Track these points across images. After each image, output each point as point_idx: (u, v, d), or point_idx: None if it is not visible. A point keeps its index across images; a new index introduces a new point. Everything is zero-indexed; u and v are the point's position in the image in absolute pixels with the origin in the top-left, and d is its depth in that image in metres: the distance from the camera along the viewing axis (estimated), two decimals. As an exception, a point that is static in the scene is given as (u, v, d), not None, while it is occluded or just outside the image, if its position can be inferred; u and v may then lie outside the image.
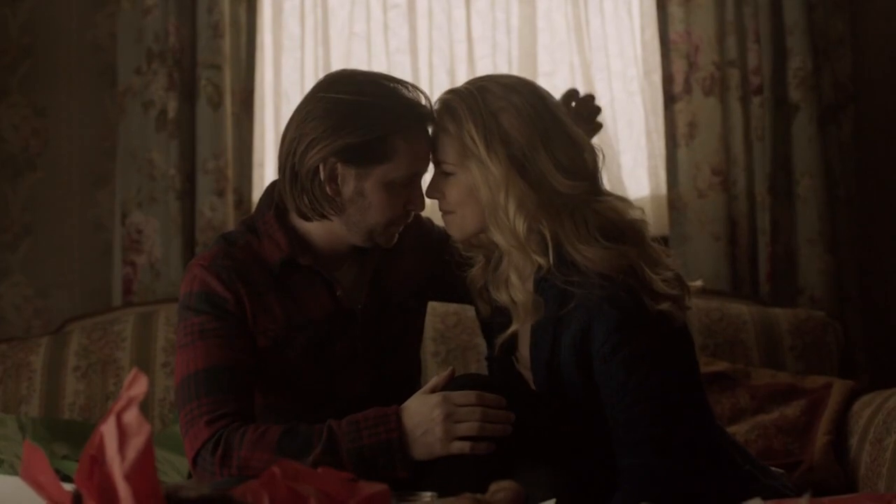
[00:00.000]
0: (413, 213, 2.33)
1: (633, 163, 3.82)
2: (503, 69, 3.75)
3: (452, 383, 2.14)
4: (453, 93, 2.24)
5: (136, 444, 1.33)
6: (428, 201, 2.33)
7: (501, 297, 2.25)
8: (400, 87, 2.24)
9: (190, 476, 2.98)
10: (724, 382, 3.19)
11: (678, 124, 3.75)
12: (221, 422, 2.13)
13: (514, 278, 2.22)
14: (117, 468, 1.32)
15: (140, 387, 1.40)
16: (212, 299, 2.23)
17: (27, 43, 3.90)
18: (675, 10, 3.75)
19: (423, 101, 2.25)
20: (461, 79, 3.72)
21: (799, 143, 3.72)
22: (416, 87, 2.26)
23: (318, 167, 2.18)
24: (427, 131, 2.25)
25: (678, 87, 3.75)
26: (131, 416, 1.37)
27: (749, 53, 3.74)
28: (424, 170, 2.29)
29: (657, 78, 3.79)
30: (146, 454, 1.33)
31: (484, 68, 3.76)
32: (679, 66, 3.75)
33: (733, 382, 3.22)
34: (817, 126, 3.72)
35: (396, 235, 2.33)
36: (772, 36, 3.71)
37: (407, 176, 2.24)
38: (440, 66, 3.79)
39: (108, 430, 1.36)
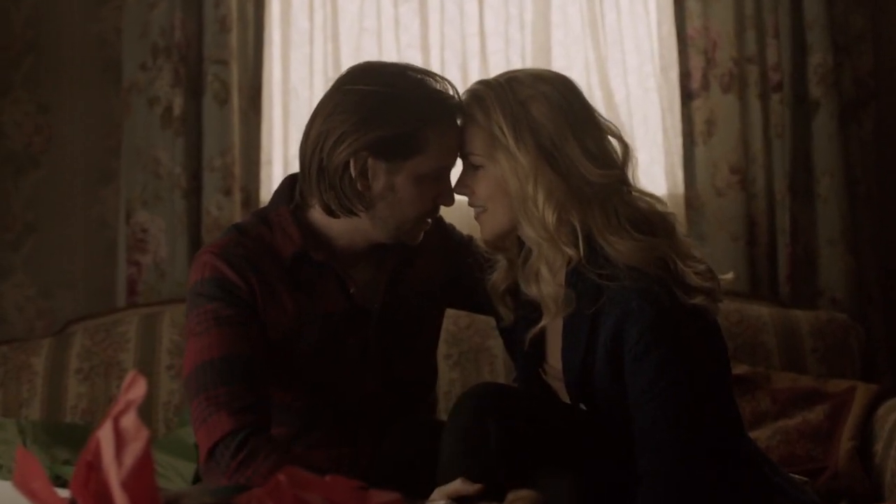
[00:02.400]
0: (440, 208, 2.28)
1: (649, 161, 3.75)
2: (516, 64, 3.69)
3: (472, 390, 2.10)
4: (483, 83, 2.21)
5: (133, 450, 1.29)
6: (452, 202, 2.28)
7: (531, 290, 2.19)
8: (428, 78, 2.20)
9: (195, 481, 2.95)
10: (744, 386, 3.13)
11: (696, 122, 3.70)
12: (244, 417, 2.08)
13: (544, 271, 2.16)
14: (114, 475, 1.27)
15: (139, 390, 1.34)
16: (225, 285, 2.18)
17: (30, 38, 3.86)
18: (693, 5, 3.70)
19: (452, 92, 2.21)
20: (473, 74, 3.68)
21: (819, 141, 3.68)
22: (443, 78, 2.22)
23: (348, 162, 2.13)
24: (457, 123, 2.21)
25: (696, 83, 3.70)
26: (129, 420, 1.31)
27: (768, 49, 3.69)
28: (454, 163, 2.24)
29: (674, 74, 3.74)
30: (144, 460, 1.28)
31: (497, 63, 3.71)
32: (697, 62, 3.70)
33: (753, 386, 3.17)
34: (838, 123, 3.67)
35: (422, 233, 2.28)
36: (791, 31, 3.66)
37: (438, 169, 2.20)
38: (452, 61, 3.74)
39: (105, 435, 1.31)
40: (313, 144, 2.17)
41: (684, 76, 3.72)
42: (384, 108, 2.12)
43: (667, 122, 3.75)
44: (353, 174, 2.14)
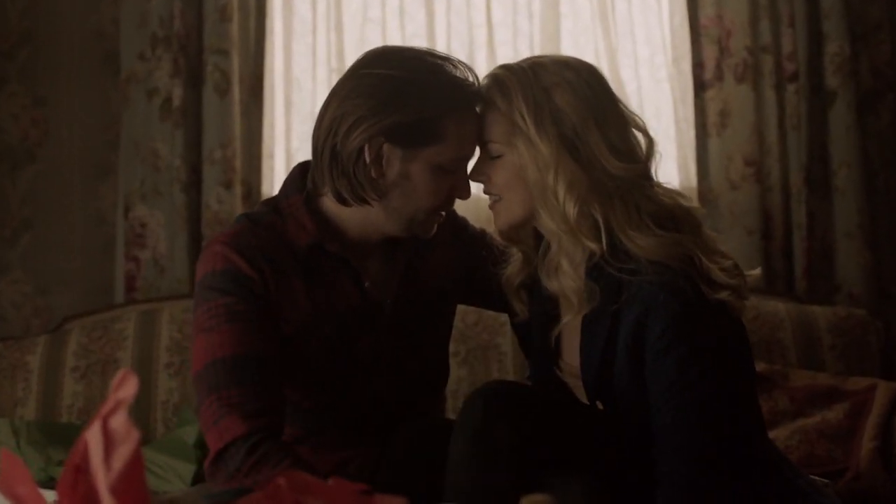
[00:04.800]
0: (454, 201, 2.21)
1: (661, 153, 3.63)
2: (524, 55, 3.60)
3: (482, 389, 2.01)
4: (505, 68, 2.13)
5: (123, 453, 1.20)
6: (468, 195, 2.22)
7: (552, 285, 2.12)
8: (447, 63, 2.12)
9: (195, 482, 2.88)
10: (761, 384, 3.06)
11: (709, 113, 3.66)
12: (258, 420, 2.00)
13: (565, 265, 2.08)
14: (102, 479, 1.18)
15: (129, 388, 1.25)
16: (238, 279, 2.09)
17: (27, 29, 3.83)
18: (706, -6, 3.66)
19: (472, 79, 2.13)
20: (481, 65, 3.64)
21: (836, 132, 3.63)
22: (463, 64, 2.14)
23: (363, 147, 2.06)
24: (476, 111, 2.14)
25: (709, 73, 3.66)
26: (119, 421, 1.23)
27: (783, 38, 3.64)
28: (472, 154, 2.17)
29: (687, 65, 3.70)
30: (134, 464, 1.20)
31: (504, 54, 3.67)
32: (710, 52, 3.66)
33: (770, 384, 3.11)
34: (855, 114, 3.63)
35: (436, 226, 2.20)
36: (807, 20, 3.61)
37: (455, 160, 2.12)
38: (459, 51, 3.69)
39: (94, 436, 1.22)
40: (327, 129, 2.09)
41: (697, 66, 3.67)
42: (402, 94, 2.05)
43: (679, 114, 3.71)
44: (368, 160, 2.06)
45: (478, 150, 2.16)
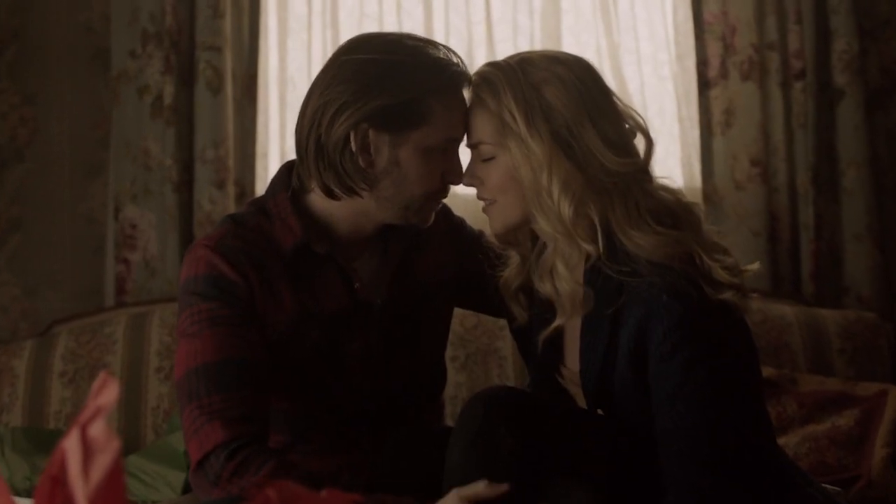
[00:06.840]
0: (449, 188, 2.15)
1: (664, 153, 3.66)
2: (525, 52, 3.59)
3: (482, 394, 1.96)
4: (493, 65, 2.09)
5: (102, 463, 1.15)
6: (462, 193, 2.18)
7: (546, 288, 2.07)
8: (429, 45, 2.09)
9: (184, 491, 2.83)
10: (769, 389, 3.01)
11: (714, 111, 3.61)
12: (240, 427, 1.95)
13: (560, 267, 2.04)
14: (81, 490, 1.13)
15: (110, 394, 1.20)
16: (221, 283, 2.05)
17: (15, 25, 3.79)
18: (710, -11, 3.63)
19: (455, 60, 2.09)
20: (479, 63, 3.53)
21: (844, 131, 3.58)
22: (446, 47, 2.10)
23: (348, 135, 2.02)
24: (462, 92, 2.09)
25: (713, 71, 3.61)
26: (98, 429, 1.17)
27: (790, 35, 3.59)
28: (461, 136, 2.12)
29: (691, 62, 3.65)
30: (114, 474, 1.14)
31: (504, 52, 3.60)
32: (714, 49, 3.62)
33: (779, 390, 3.06)
34: (864, 113, 3.58)
35: (433, 215, 2.16)
36: (814, 16, 3.56)
37: (444, 140, 2.07)
38: (457, 49, 3.49)
39: (72, 445, 1.18)
40: (310, 121, 2.05)
41: (701, 64, 3.63)
42: (384, 77, 2.01)
43: (683, 113, 3.67)
44: (354, 148, 2.02)
45: (469, 150, 2.11)
